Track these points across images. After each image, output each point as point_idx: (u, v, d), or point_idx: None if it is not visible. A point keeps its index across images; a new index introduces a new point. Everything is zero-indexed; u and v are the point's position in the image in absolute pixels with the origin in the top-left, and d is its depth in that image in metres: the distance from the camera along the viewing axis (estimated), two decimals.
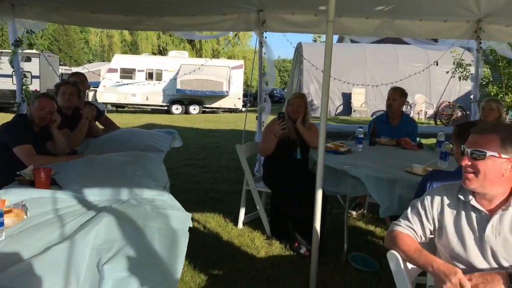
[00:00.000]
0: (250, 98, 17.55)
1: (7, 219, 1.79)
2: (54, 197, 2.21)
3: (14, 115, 3.75)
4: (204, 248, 3.55)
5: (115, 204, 2.15)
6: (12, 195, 2.14)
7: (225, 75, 20.06)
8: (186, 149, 8.56)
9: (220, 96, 20.42)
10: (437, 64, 8.58)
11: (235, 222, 4.16)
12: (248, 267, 3.21)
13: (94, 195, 2.29)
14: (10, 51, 5.31)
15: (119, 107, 21.47)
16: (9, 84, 16.38)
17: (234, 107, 21.00)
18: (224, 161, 7.55)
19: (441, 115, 15.41)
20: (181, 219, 2.09)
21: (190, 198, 4.99)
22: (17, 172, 2.51)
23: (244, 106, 20.85)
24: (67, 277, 1.51)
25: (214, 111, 21.25)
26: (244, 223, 4.13)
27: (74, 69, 21.79)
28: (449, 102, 15.93)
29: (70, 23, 6.07)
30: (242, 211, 4.11)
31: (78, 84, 3.90)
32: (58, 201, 2.16)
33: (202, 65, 12.87)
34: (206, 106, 20.92)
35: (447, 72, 11.41)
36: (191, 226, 2.14)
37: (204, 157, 7.98)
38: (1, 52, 5.79)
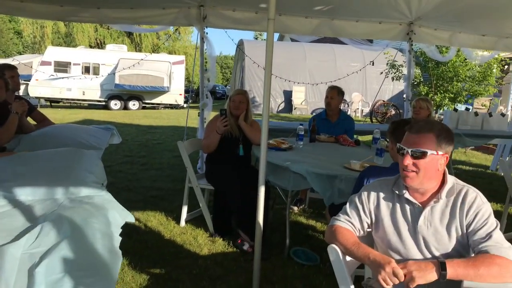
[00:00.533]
0: (192, 94, 17.37)
1: None
2: None
3: None
4: (145, 247, 3.48)
5: (50, 204, 2.04)
6: None
7: (166, 70, 19.70)
8: (125, 146, 8.32)
9: (161, 91, 20.04)
10: (372, 64, 9.01)
11: (177, 220, 4.11)
12: (191, 265, 3.19)
13: (26, 194, 2.16)
14: None
15: (53, 102, 20.39)
16: None
17: (176, 103, 20.70)
18: (165, 158, 7.41)
19: (376, 113, 16.14)
20: (120, 216, 2.02)
21: (130, 196, 4.87)
22: None
23: (185, 102, 20.62)
24: None
25: (154, 107, 20.84)
26: (186, 221, 4.09)
27: (2, 61, 20.37)
28: (383, 101, 16.76)
29: None
30: (185, 209, 4.07)
31: (6, 76, 3.65)
32: None
33: (142, 59, 12.52)
34: (146, 101, 20.46)
35: (381, 72, 12.00)
36: (133, 221, 2.08)
37: (145, 154, 7.79)
38: None
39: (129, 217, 2.12)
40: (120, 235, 1.94)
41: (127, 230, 2.18)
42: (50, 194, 2.19)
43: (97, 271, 1.68)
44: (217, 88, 32.68)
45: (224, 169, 3.78)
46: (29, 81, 18.63)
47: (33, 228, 1.72)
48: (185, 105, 20.35)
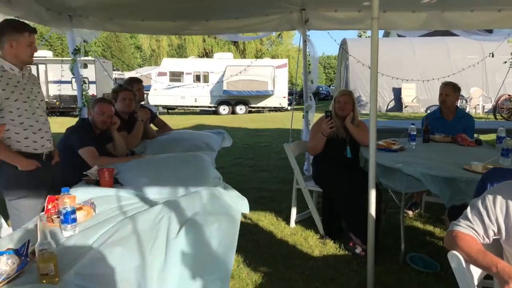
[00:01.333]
0: (296, 97, 17.53)
1: (79, 215, 1.92)
2: (118, 195, 2.34)
3: (76, 119, 3.97)
4: (257, 246, 3.61)
5: (174, 202, 2.24)
6: (80, 194, 2.29)
7: (269, 74, 20.17)
8: (235, 148, 8.68)
9: (266, 95, 20.54)
10: (492, 56, 8.20)
11: (287, 221, 4.19)
12: (303, 266, 3.23)
13: (153, 193, 2.41)
14: (69, 59, 5.62)
15: (170, 109, 22.14)
16: (69, 90, 17.39)
17: (280, 106, 21.06)
18: (273, 160, 7.59)
19: (501, 109, 14.66)
20: (237, 205, 2.15)
21: None
22: (84, 173, 2.68)
23: (289, 104, 20.85)
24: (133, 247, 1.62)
25: (260, 110, 21.41)
26: (296, 222, 4.14)
27: (127, 74, 22.69)
28: (509, 95, 15.12)
29: (122, 30, 6.32)
30: (294, 210, 4.13)
31: (134, 89, 4.07)
32: (121, 198, 2.30)
33: (248, 66, 12.98)
34: (252, 106, 21.13)
35: (505, 62, 10.85)
36: (247, 211, 2.19)
37: (253, 156, 8.07)
38: (62, 60, 6.14)
39: (245, 207, 2.23)
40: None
41: (240, 228, 2.29)
42: (174, 193, 2.41)
43: (215, 263, 1.80)
44: (320, 88, 32.51)
45: (332, 171, 3.74)
46: (148, 91, 20.48)
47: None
48: (289, 108, 20.57)
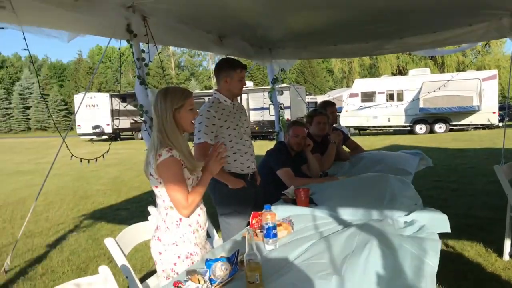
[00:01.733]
0: (509, 111, 15.33)
1: (278, 232, 2.09)
2: (313, 214, 2.46)
3: (273, 142, 4.33)
4: (462, 278, 3.28)
5: (367, 225, 2.22)
6: (280, 211, 2.49)
7: (474, 88, 18.16)
8: (434, 170, 8.07)
9: (470, 111, 18.55)
10: None
11: (498, 253, 3.68)
12: None
13: (347, 214, 2.44)
14: (268, 87, 6.19)
15: (361, 130, 22.05)
16: (266, 116, 19.12)
17: (488, 123, 18.72)
18: (479, 184, 6.79)
19: None
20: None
21: None
22: (282, 192, 2.90)
23: (500, 120, 18.35)
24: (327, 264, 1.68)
25: (463, 128, 19.45)
26: (511, 255, 3.60)
27: (319, 98, 23.65)
28: None
29: (315, 57, 6.65)
30: (508, 242, 3.60)
31: (328, 112, 4.24)
32: (316, 218, 2.41)
33: (448, 80, 12.00)
34: (454, 123, 19.34)
35: None
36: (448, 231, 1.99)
37: (455, 179, 7.37)
38: (264, 89, 6.80)
39: (444, 226, 2.07)
40: None
41: (441, 257, 2.09)
42: (367, 216, 2.39)
43: None
44: None
45: None
46: (340, 112, 20.84)
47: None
48: (500, 124, 18.12)
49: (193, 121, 2.17)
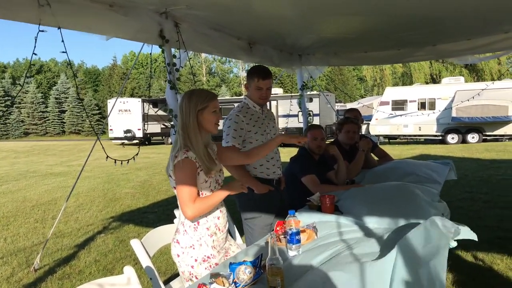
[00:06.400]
0: None
1: (302, 237, 2.08)
2: (338, 221, 2.45)
3: (298, 149, 4.32)
4: None
5: (393, 234, 2.19)
6: (304, 218, 2.49)
7: (509, 97, 17.56)
8: (465, 181, 7.88)
9: (505, 121, 17.93)
10: None
11: None
12: None
13: (372, 222, 2.41)
14: (297, 94, 6.18)
15: (391, 139, 21.68)
16: (295, 123, 19.06)
17: None
18: None
19: None
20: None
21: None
22: (307, 198, 2.89)
23: None
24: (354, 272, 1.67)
25: (497, 139, 18.84)
26: None
27: (349, 105, 23.44)
28: None
29: (345, 64, 6.58)
30: None
31: (359, 122, 4.22)
32: (341, 225, 2.39)
33: (483, 90, 11.66)
34: (487, 133, 18.75)
35: None
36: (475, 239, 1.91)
37: (487, 190, 7.13)
38: (292, 96, 6.79)
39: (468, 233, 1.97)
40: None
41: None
42: (393, 224, 2.35)
43: None
44: None
45: None
46: (369, 121, 20.55)
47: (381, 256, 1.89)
48: None
49: (216, 123, 2.20)
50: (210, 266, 2.11)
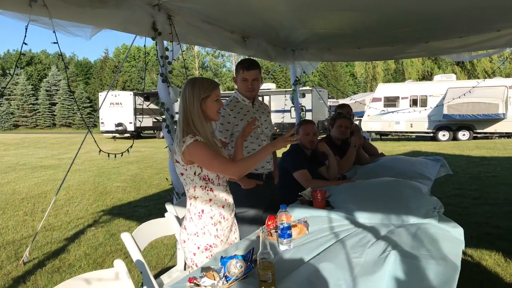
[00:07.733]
0: None
1: (293, 232, 2.08)
2: (329, 216, 2.45)
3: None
4: (478, 287, 3.19)
5: (384, 229, 2.20)
6: (295, 212, 2.49)
7: (500, 95, 17.70)
8: (455, 178, 7.94)
9: (495, 119, 18.08)
10: None
11: None
12: None
13: (364, 217, 2.42)
14: (290, 89, 6.18)
15: (382, 135, 21.78)
16: (288, 118, 19.07)
17: None
18: (502, 193, 6.63)
19: None
20: (453, 242, 1.95)
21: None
22: (299, 193, 2.89)
23: None
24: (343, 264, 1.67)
25: (487, 136, 19.00)
26: None
27: (341, 101, 23.51)
28: None
29: (339, 60, 6.60)
30: None
31: (351, 117, 4.22)
32: (332, 220, 2.39)
33: (473, 87, 11.75)
34: (478, 131, 18.90)
35: None
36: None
37: (477, 187, 7.21)
38: (286, 91, 6.78)
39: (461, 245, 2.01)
40: None
41: (461, 267, 2.05)
42: (384, 220, 2.37)
43: None
44: None
45: None
46: (361, 117, 20.62)
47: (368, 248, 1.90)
48: None
49: (218, 112, 2.21)
50: (212, 255, 2.11)
